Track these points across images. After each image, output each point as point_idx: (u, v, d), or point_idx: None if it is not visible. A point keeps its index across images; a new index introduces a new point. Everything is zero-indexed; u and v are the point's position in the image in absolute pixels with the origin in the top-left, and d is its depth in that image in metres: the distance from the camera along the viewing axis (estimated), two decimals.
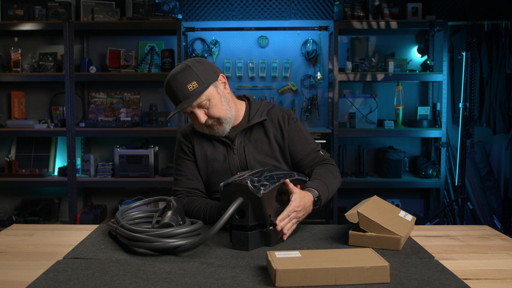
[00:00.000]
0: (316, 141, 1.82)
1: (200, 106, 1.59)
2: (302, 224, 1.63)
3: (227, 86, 1.67)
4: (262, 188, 1.29)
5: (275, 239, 1.37)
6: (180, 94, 1.55)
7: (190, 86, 1.54)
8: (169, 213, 1.38)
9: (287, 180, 1.44)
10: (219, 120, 1.62)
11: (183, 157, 1.75)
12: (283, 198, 1.46)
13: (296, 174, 1.54)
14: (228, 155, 1.70)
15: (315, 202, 1.50)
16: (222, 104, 1.62)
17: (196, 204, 1.65)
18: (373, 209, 1.42)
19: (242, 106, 1.76)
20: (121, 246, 1.36)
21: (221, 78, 1.65)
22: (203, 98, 1.57)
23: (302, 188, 1.51)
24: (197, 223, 1.38)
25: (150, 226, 1.46)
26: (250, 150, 1.69)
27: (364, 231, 1.38)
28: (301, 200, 1.44)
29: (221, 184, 1.34)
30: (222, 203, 1.36)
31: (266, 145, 1.70)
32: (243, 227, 1.32)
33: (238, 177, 1.35)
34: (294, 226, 1.46)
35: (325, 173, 1.62)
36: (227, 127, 1.65)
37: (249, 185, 1.28)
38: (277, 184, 1.36)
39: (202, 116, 1.59)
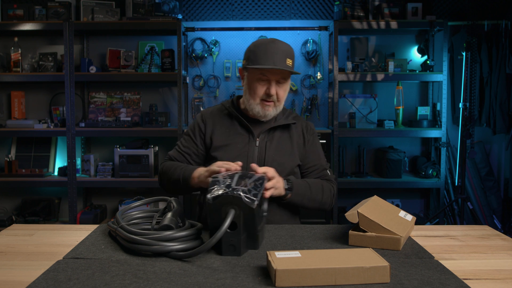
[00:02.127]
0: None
1: (279, 81, 1.69)
2: (302, 224, 1.64)
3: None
4: (255, 199, 1.27)
5: (260, 242, 1.37)
6: (279, 58, 1.63)
7: (289, 61, 1.66)
8: (169, 214, 1.38)
9: (254, 165, 1.52)
10: (277, 103, 1.72)
11: (190, 136, 1.83)
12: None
13: (265, 177, 1.52)
14: (249, 144, 1.74)
15: (285, 182, 1.61)
16: (287, 93, 1.75)
17: (176, 163, 1.78)
18: (373, 209, 1.42)
19: None
20: (121, 246, 1.36)
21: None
22: (286, 76, 1.69)
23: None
24: (196, 226, 1.37)
25: (150, 227, 1.45)
26: (271, 147, 1.74)
27: (364, 231, 1.38)
28: (274, 172, 1.55)
29: (209, 196, 1.29)
30: (210, 216, 1.31)
31: (289, 146, 1.77)
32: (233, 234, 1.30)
33: (225, 187, 1.31)
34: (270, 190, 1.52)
35: (315, 183, 1.73)
36: (273, 113, 1.74)
37: (243, 196, 1.26)
38: (262, 192, 1.34)
39: (274, 88, 1.68)
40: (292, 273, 1.06)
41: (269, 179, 1.51)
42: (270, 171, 1.53)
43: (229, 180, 1.35)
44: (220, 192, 1.29)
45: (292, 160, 1.75)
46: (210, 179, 1.40)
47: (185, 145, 1.83)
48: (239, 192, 1.27)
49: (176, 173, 1.71)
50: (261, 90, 1.69)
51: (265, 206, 1.41)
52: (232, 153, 1.73)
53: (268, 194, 1.47)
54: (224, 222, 1.24)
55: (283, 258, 1.12)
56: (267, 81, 1.68)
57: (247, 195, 1.27)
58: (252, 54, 1.67)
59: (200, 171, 1.62)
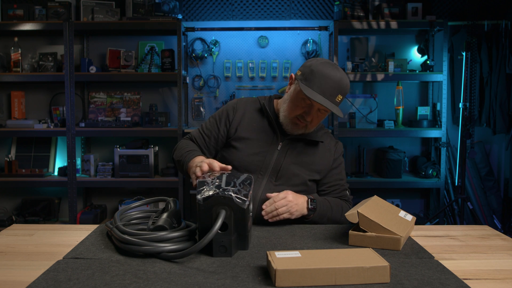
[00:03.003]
0: None
1: (320, 110, 1.64)
2: (302, 224, 1.63)
3: None
4: (246, 199, 1.27)
5: (249, 242, 1.37)
6: (331, 91, 1.58)
7: (338, 97, 1.61)
8: (164, 215, 1.38)
9: (269, 194, 1.59)
10: (309, 125, 1.69)
11: (216, 120, 1.81)
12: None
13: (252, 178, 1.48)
14: (271, 145, 1.72)
15: (309, 202, 1.61)
16: (320, 121, 1.73)
17: (191, 145, 1.78)
18: (373, 209, 1.42)
19: None
20: (118, 246, 1.36)
21: None
22: (330, 111, 1.63)
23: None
24: (191, 227, 1.37)
25: (146, 228, 1.45)
26: (291, 155, 1.72)
27: (364, 231, 1.38)
28: (292, 194, 1.58)
29: (199, 197, 1.28)
30: (200, 216, 1.29)
31: (310, 160, 1.74)
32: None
33: (215, 187, 1.30)
34: (282, 215, 1.55)
35: (336, 204, 1.72)
36: (300, 132, 1.71)
37: (234, 197, 1.26)
38: (251, 192, 1.34)
39: (312, 115, 1.64)
40: (292, 273, 1.06)
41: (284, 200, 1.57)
42: (289, 194, 1.57)
43: (217, 181, 1.34)
44: (211, 192, 1.28)
45: (308, 174, 1.72)
46: (197, 181, 1.38)
47: (208, 128, 1.80)
48: (229, 193, 1.27)
49: (182, 155, 1.70)
50: (299, 110, 1.64)
51: (251, 206, 1.40)
52: (252, 149, 1.71)
53: (280, 217, 1.55)
54: (216, 222, 1.23)
55: (283, 258, 1.12)
56: (310, 106, 1.62)
57: (238, 196, 1.27)
58: (311, 74, 1.59)
59: (196, 160, 1.59)
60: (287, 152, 1.71)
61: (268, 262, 1.13)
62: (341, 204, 1.74)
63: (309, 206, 1.60)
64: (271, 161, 1.70)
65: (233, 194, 1.27)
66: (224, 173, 1.42)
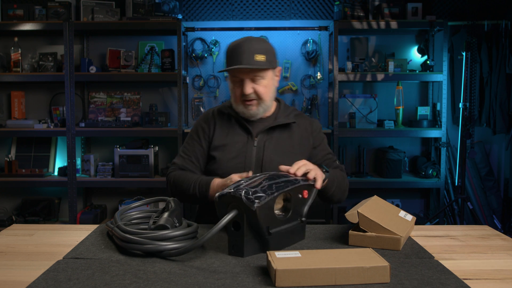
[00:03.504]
0: None
1: (253, 79, 1.66)
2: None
3: (278, 80, 1.76)
4: (256, 201, 1.22)
5: (273, 246, 1.31)
6: (245, 57, 1.62)
7: (258, 57, 1.63)
8: (166, 214, 1.38)
9: (282, 166, 1.46)
10: (259, 100, 1.69)
11: (194, 138, 1.81)
12: (287, 206, 1.38)
13: (301, 180, 1.41)
14: (247, 144, 1.73)
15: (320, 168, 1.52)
16: (270, 89, 1.71)
17: (187, 175, 1.73)
18: (373, 209, 1.42)
19: (273, 105, 1.83)
20: (119, 246, 1.36)
21: (279, 70, 1.76)
22: (261, 72, 1.65)
23: (310, 190, 1.46)
24: (193, 226, 1.37)
25: (147, 227, 1.45)
26: (269, 147, 1.73)
27: (364, 231, 1.38)
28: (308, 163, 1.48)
29: (216, 194, 1.29)
30: (218, 213, 1.30)
31: (288, 145, 1.74)
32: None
33: (234, 186, 1.29)
34: (311, 171, 1.44)
35: (335, 171, 1.74)
36: (260, 112, 1.72)
37: (243, 197, 1.23)
38: (275, 194, 1.28)
39: (249, 87, 1.66)
40: (292, 273, 1.06)
41: (308, 172, 1.43)
42: (302, 164, 1.45)
43: (245, 180, 1.34)
44: (226, 190, 1.28)
45: (292, 160, 1.68)
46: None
47: (190, 150, 1.80)
48: (240, 193, 1.24)
49: (190, 188, 1.67)
50: (237, 91, 1.69)
51: (304, 210, 1.36)
52: (230, 154, 1.72)
53: (319, 184, 1.43)
54: (221, 220, 1.23)
55: (283, 258, 1.12)
56: (241, 81, 1.67)
57: (249, 196, 1.23)
58: (226, 57, 1.71)
59: (216, 186, 1.60)
60: (264, 145, 1.72)
61: (268, 262, 1.13)
62: (339, 172, 1.77)
63: (323, 170, 1.53)
64: (251, 159, 1.71)
65: (243, 194, 1.23)
66: (265, 174, 1.40)
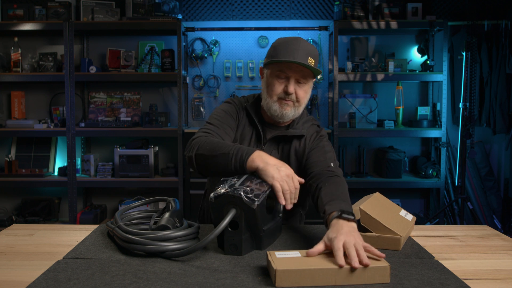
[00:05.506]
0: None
1: (298, 80, 1.59)
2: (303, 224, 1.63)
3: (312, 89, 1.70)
4: (256, 199, 1.25)
5: (266, 243, 1.35)
6: (300, 55, 1.54)
7: (311, 60, 1.56)
8: (167, 215, 1.38)
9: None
10: (296, 103, 1.62)
11: (230, 114, 1.69)
12: (270, 203, 1.38)
13: None
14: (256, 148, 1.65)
15: (343, 216, 1.26)
16: (308, 95, 1.65)
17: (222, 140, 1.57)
18: (375, 206, 1.42)
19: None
20: (120, 246, 1.36)
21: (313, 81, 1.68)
22: (307, 76, 1.58)
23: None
24: (194, 226, 1.37)
25: (148, 227, 1.45)
26: (274, 156, 1.62)
27: (364, 231, 1.38)
28: (338, 235, 1.18)
29: (212, 195, 1.28)
30: (213, 214, 1.30)
31: (286, 159, 1.67)
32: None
33: (228, 186, 1.29)
34: (349, 250, 1.13)
35: (338, 188, 1.47)
36: (291, 115, 1.63)
37: (243, 196, 1.25)
38: (267, 192, 1.31)
39: (293, 86, 1.59)
40: (292, 273, 1.06)
41: (357, 250, 1.13)
42: (340, 242, 1.15)
43: (235, 180, 1.35)
44: (223, 191, 1.28)
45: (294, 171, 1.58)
46: (221, 179, 1.37)
47: (225, 121, 1.66)
48: (239, 192, 1.26)
49: (221, 147, 1.45)
50: (279, 87, 1.60)
51: (281, 206, 1.38)
52: None
53: (366, 260, 1.09)
54: (222, 221, 1.24)
55: (283, 258, 1.12)
56: (286, 79, 1.59)
57: (248, 195, 1.26)
58: (273, 50, 1.60)
59: (258, 159, 1.39)
60: (271, 153, 1.65)
61: (268, 262, 1.13)
62: (340, 185, 1.50)
63: (352, 218, 1.27)
64: None
65: (243, 194, 1.26)
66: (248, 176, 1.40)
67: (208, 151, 1.46)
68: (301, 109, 1.66)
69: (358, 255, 1.10)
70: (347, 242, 1.14)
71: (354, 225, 1.25)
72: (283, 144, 1.70)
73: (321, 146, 1.67)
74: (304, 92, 1.62)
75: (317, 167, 1.57)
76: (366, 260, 1.09)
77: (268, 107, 1.64)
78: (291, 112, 1.63)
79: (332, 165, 1.59)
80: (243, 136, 1.70)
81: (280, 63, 1.57)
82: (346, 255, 1.12)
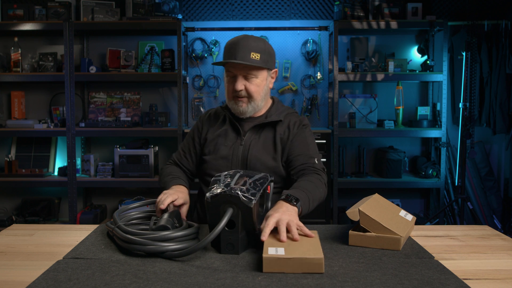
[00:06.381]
0: (317, 141, 1.86)
1: (246, 77, 1.68)
2: (303, 224, 1.63)
3: (272, 82, 1.78)
4: (253, 198, 1.28)
5: (259, 240, 1.32)
6: (240, 53, 1.64)
7: (254, 55, 1.64)
8: (166, 215, 1.38)
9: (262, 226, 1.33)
10: (249, 99, 1.70)
11: (191, 136, 1.86)
12: (261, 202, 1.44)
13: (269, 176, 1.45)
14: (236, 143, 1.74)
15: (288, 199, 1.41)
16: (261, 89, 1.71)
17: (169, 172, 1.79)
18: (374, 207, 1.42)
19: (268, 103, 1.83)
20: (120, 246, 1.36)
21: (275, 72, 1.77)
22: (254, 70, 1.66)
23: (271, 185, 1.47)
24: (193, 227, 1.37)
25: (147, 228, 1.45)
26: (255, 146, 1.72)
27: (364, 231, 1.38)
28: (274, 212, 1.34)
29: (208, 195, 1.29)
30: (209, 214, 1.31)
31: (271, 145, 1.73)
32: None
33: (224, 186, 1.30)
34: (281, 226, 1.29)
35: (306, 183, 1.57)
36: (249, 110, 1.73)
37: (241, 196, 1.27)
38: (261, 191, 1.34)
39: (241, 83, 1.68)
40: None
41: (279, 221, 1.30)
42: (271, 223, 1.31)
43: (229, 179, 1.35)
44: (219, 190, 1.29)
45: (274, 160, 1.70)
46: (212, 179, 1.40)
47: (186, 148, 1.87)
48: (236, 191, 1.27)
49: (165, 182, 1.75)
50: (230, 86, 1.71)
51: (269, 204, 1.40)
52: (220, 153, 1.73)
53: (296, 236, 1.28)
54: (221, 221, 1.25)
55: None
56: (234, 77, 1.69)
57: (245, 194, 1.27)
58: (224, 52, 1.71)
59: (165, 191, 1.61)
60: (250, 144, 1.72)
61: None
62: (308, 180, 1.59)
63: (294, 203, 1.40)
64: (238, 158, 1.72)
65: (240, 193, 1.27)
66: (238, 172, 1.42)
67: (162, 183, 1.76)
68: (258, 102, 1.73)
69: (290, 231, 1.28)
70: (281, 219, 1.30)
71: (294, 208, 1.40)
72: (266, 133, 1.76)
73: (303, 137, 1.75)
74: (255, 86, 1.69)
75: (299, 161, 1.68)
76: (296, 236, 1.27)
77: (230, 106, 1.76)
78: (247, 107, 1.72)
79: (316, 162, 1.69)
80: (219, 134, 1.79)
81: (226, 64, 1.68)
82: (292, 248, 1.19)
